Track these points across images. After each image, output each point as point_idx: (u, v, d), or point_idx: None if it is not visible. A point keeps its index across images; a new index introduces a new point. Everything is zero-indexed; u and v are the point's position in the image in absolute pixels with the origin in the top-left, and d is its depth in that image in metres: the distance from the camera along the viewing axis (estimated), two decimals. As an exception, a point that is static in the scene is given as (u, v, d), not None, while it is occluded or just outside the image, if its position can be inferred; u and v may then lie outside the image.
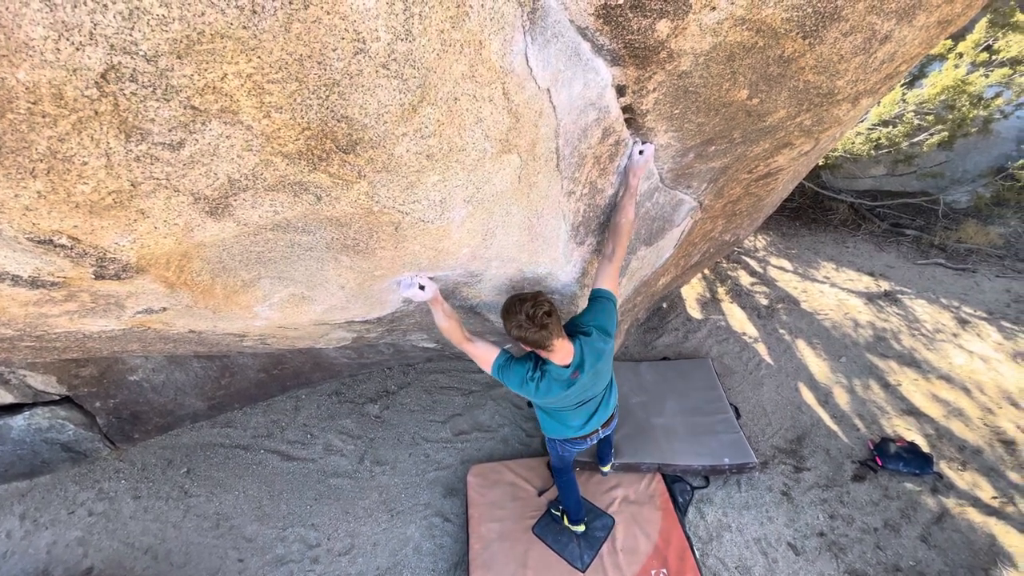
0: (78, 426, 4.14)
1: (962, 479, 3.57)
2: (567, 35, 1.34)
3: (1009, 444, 3.75)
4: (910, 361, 4.53)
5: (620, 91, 1.70)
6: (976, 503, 3.42)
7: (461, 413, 4.23)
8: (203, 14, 0.73)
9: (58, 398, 3.98)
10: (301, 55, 0.85)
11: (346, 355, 4.15)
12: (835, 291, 5.41)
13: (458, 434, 4.06)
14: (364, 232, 1.35)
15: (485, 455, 3.87)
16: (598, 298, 2.09)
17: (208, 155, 0.94)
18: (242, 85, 0.84)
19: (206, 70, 0.80)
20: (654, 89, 1.74)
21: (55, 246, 1.00)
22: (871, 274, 5.68)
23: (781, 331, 4.90)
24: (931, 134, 5.70)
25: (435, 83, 1.06)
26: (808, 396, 4.23)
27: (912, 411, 4.07)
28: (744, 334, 4.87)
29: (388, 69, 0.96)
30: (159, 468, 4.08)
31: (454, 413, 4.24)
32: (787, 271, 5.79)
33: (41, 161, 0.82)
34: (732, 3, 1.40)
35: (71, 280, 1.14)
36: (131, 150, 0.87)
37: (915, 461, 3.62)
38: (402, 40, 0.94)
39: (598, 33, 1.40)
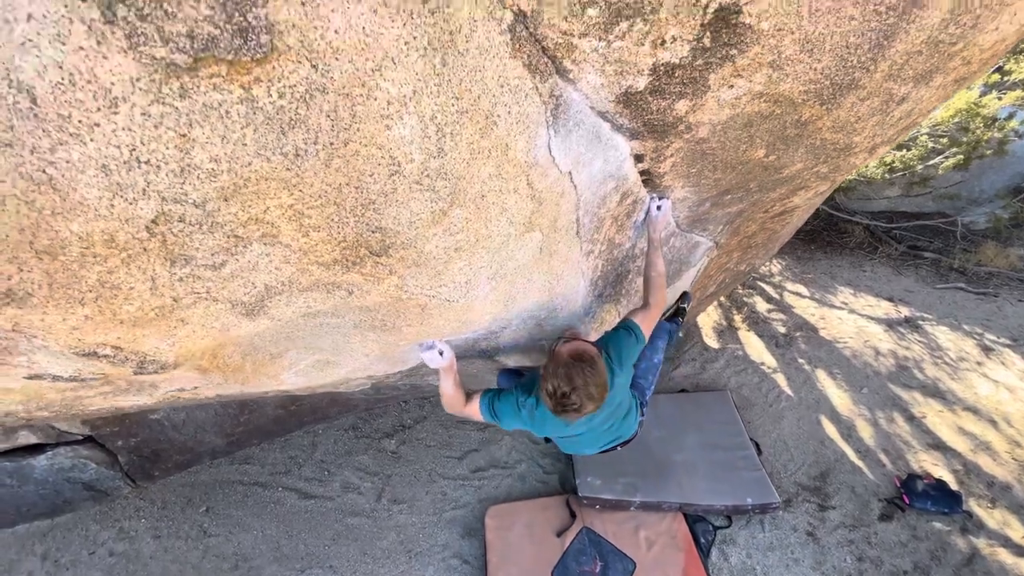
0: (100, 465, 4.19)
1: (992, 518, 3.47)
2: (588, 122, 1.37)
3: (1041, 481, 3.64)
4: (934, 392, 4.44)
5: (638, 159, 1.72)
6: (1007, 543, 3.32)
7: (477, 449, 4.21)
8: (250, 164, 0.76)
9: (80, 438, 4.04)
10: (340, 183, 0.88)
11: (363, 391, 4.18)
12: (854, 318, 5.33)
13: (475, 471, 4.04)
14: (391, 314, 1.38)
15: (503, 493, 3.85)
16: (626, 327, 1.89)
17: (248, 270, 0.97)
18: (283, 214, 0.87)
19: (250, 206, 0.83)
20: (671, 155, 1.76)
21: (98, 356, 1.03)
22: (890, 299, 5.60)
23: (800, 360, 4.83)
24: (946, 157, 5.65)
25: (464, 188, 1.09)
26: (831, 429, 4.15)
27: (938, 445, 3.98)
28: (762, 364, 4.81)
29: (421, 184, 0.98)
30: (179, 506, 4.10)
31: (470, 449, 4.22)
32: (804, 297, 5.73)
33: (90, 292, 0.85)
34: (750, 81, 1.42)
35: (110, 376, 1.18)
36: (175, 273, 0.90)
37: (943, 499, 3.52)
38: (434, 158, 0.97)
39: (618, 115, 1.42)
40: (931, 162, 5.71)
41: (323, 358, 1.75)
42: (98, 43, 0.57)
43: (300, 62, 0.71)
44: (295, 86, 0.72)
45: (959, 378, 4.57)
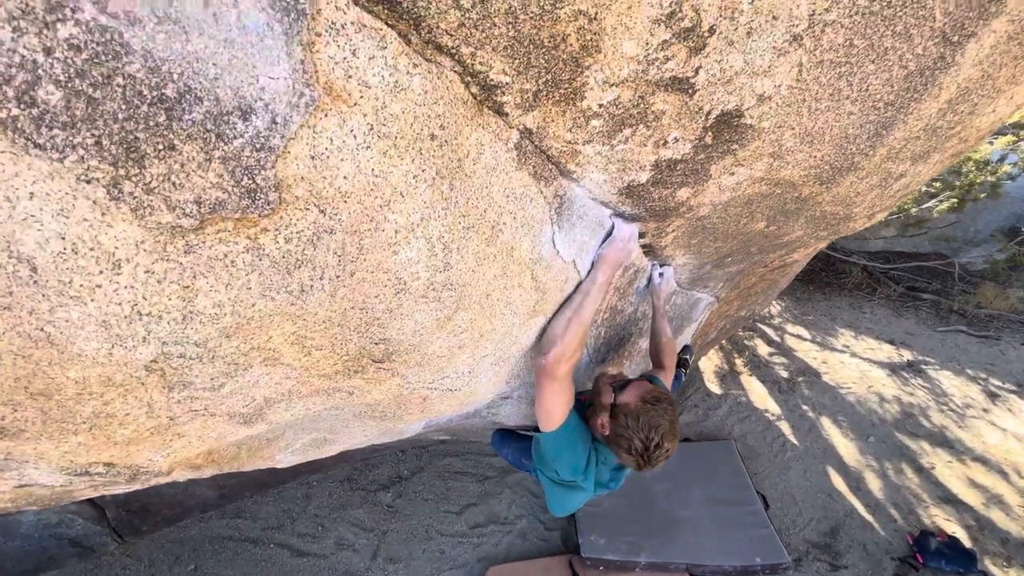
0: (87, 520, 4.06)
1: (1009, 578, 3.36)
2: (591, 213, 1.37)
3: (1057, 538, 3.54)
4: (942, 441, 4.37)
5: (639, 235, 1.73)
6: (1028, 607, 3.20)
7: (476, 503, 4.10)
8: (254, 305, 0.74)
9: (69, 493, 3.92)
10: (344, 308, 0.87)
11: (360, 442, 4.09)
12: (856, 362, 5.29)
13: (474, 527, 3.92)
14: (392, 406, 1.35)
15: (502, 551, 3.72)
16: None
17: (247, 388, 0.94)
18: (285, 340, 0.86)
19: (252, 339, 0.81)
20: (673, 231, 1.76)
21: (90, 474, 0.99)
22: (891, 342, 5.57)
23: (804, 407, 4.77)
24: (940, 200, 5.73)
25: (469, 293, 1.08)
26: (839, 482, 4.06)
27: (950, 499, 3.88)
28: (766, 411, 4.74)
29: (427, 297, 0.97)
30: (166, 564, 3.95)
31: (469, 503, 4.10)
32: (805, 339, 5.70)
33: (84, 423, 0.82)
34: (751, 169, 1.43)
35: (103, 484, 1.13)
36: (172, 397, 0.88)
37: (958, 558, 3.41)
38: (441, 272, 0.96)
39: (620, 204, 1.43)
40: (925, 205, 5.78)
41: (319, 436, 1.70)
42: (103, 215, 0.56)
43: (308, 209, 0.70)
44: (302, 231, 0.71)
45: (966, 426, 4.50)
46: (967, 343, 5.48)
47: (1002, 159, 6.21)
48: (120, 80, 0.50)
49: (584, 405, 1.64)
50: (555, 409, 1.43)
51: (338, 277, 0.80)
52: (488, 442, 2.62)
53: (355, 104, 0.68)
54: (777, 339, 5.72)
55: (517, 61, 0.81)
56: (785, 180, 1.56)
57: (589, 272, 1.54)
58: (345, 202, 0.73)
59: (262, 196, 0.64)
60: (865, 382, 5.03)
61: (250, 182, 0.62)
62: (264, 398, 1.02)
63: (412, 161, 0.79)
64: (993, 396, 4.79)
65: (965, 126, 1.59)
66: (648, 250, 1.92)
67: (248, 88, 0.57)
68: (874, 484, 4.02)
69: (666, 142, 1.20)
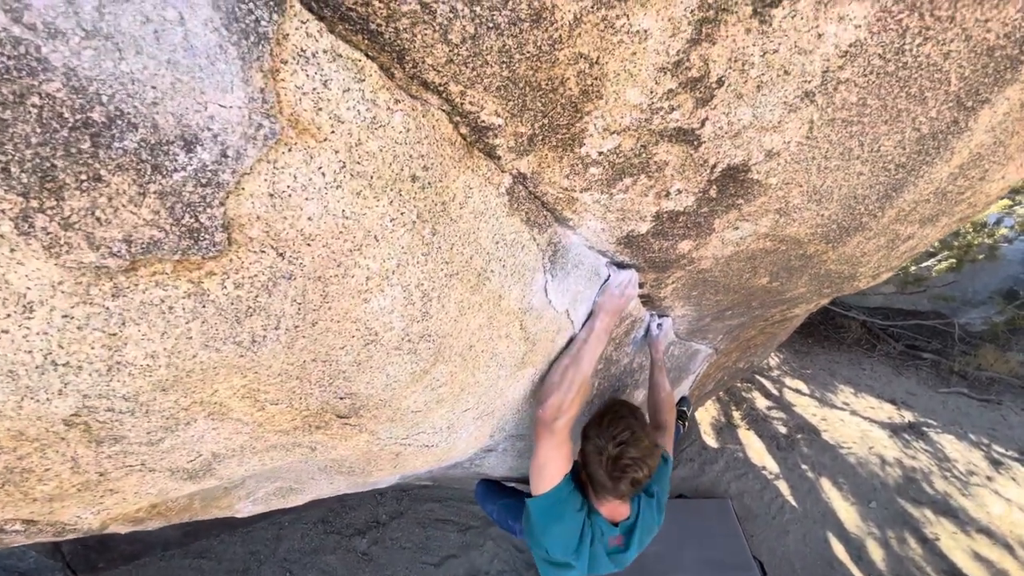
0: (40, 554, 3.80)
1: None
2: (587, 261, 1.30)
3: (1072, 624, 3.32)
4: (945, 509, 4.18)
5: (638, 285, 1.65)
6: None
7: (457, 554, 3.86)
8: (195, 356, 0.65)
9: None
10: (304, 360, 0.77)
11: (338, 483, 3.89)
12: (856, 420, 5.14)
13: (453, 582, 3.67)
14: (361, 462, 1.23)
15: (482, 611, 3.46)
16: (662, 459, 1.64)
17: (191, 442, 0.84)
18: (234, 394, 0.76)
19: (193, 393, 0.71)
20: (672, 283, 1.69)
21: (5, 532, 0.87)
22: (892, 402, 5.44)
23: (803, 466, 4.59)
24: (939, 260, 5.72)
25: (450, 344, 0.98)
26: (839, 550, 3.84)
27: (955, 573, 3.67)
28: (764, 468, 4.55)
29: (401, 349, 0.88)
30: (119, 608, 3.67)
31: (449, 554, 3.87)
32: (803, 394, 5.57)
33: (-6, 480, 0.71)
34: (756, 224, 1.37)
35: (26, 536, 1.00)
36: (102, 452, 0.77)
37: (968, 643, 3.18)
38: (418, 322, 0.87)
39: (618, 254, 1.36)
40: (924, 264, 5.77)
41: (285, 485, 1.57)
42: (11, 251, 0.48)
43: (264, 252, 0.62)
44: (256, 276, 0.63)
45: (970, 495, 4.32)
46: (968, 406, 5.35)
47: (998, 222, 6.26)
48: (36, 100, 0.42)
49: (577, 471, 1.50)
50: (549, 466, 1.32)
51: (297, 327, 0.71)
52: (473, 489, 2.47)
53: (325, 139, 0.60)
54: (776, 392, 5.58)
55: (511, 103, 0.75)
56: (791, 237, 1.50)
57: (585, 322, 1.46)
58: (309, 245, 0.65)
59: (207, 237, 0.56)
60: (866, 442, 4.86)
61: (192, 220, 0.54)
62: (212, 453, 0.91)
63: (390, 203, 0.71)
64: (996, 463, 4.63)
65: (975, 191, 1.54)
66: (646, 300, 1.85)
67: (194, 116, 0.49)
68: (876, 554, 3.81)
69: (668, 193, 1.13)
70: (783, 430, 5.01)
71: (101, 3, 0.41)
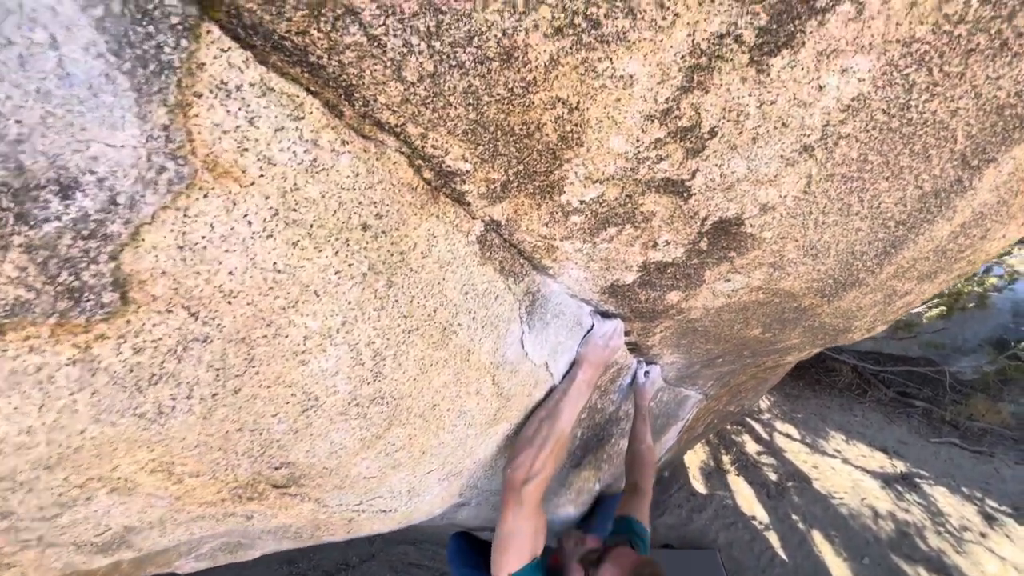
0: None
1: None
2: (569, 311, 1.21)
3: None
4: (939, 567, 4.02)
5: (624, 333, 1.56)
6: None
7: (429, 603, 3.63)
8: (83, 431, 0.54)
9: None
10: (227, 431, 0.66)
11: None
12: (848, 469, 5.01)
13: (423, 634, 3.44)
14: (309, 528, 1.10)
15: (452, 668, 3.22)
16: (641, 538, 1.49)
17: (96, 517, 0.71)
18: (141, 469, 0.64)
19: (87, 469, 0.60)
20: (660, 332, 1.60)
21: None
22: (884, 450, 5.32)
23: (794, 516, 4.42)
24: (929, 307, 5.71)
25: (408, 405, 0.88)
26: (831, 610, 3.66)
27: (952, 640, 3.49)
28: (753, 518, 4.39)
29: (347, 414, 0.77)
30: (60, 653, 3.37)
31: (421, 602, 3.64)
32: (794, 439, 5.44)
33: None
34: (748, 277, 1.29)
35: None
36: (-20, 531, 0.65)
37: None
38: (368, 384, 0.77)
39: (602, 303, 1.27)
40: (915, 310, 5.76)
41: (232, 541, 1.42)
42: None
43: (171, 312, 0.52)
44: (161, 339, 0.53)
45: (964, 552, 4.17)
46: (960, 457, 5.24)
47: (988, 271, 6.30)
48: None
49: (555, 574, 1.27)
50: (514, 540, 1.14)
51: (215, 395, 0.61)
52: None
53: (252, 184, 0.51)
54: (766, 437, 5.45)
55: (481, 147, 0.67)
56: (785, 291, 1.42)
57: (566, 374, 1.35)
58: (230, 304, 0.56)
59: (91, 297, 0.46)
60: (858, 493, 4.72)
61: (71, 279, 0.45)
62: (123, 527, 0.78)
63: (335, 254, 0.62)
64: (990, 519, 4.50)
65: (976, 250, 1.48)
66: (633, 348, 1.75)
67: (72, 157, 0.40)
68: (871, 616, 3.63)
69: (656, 244, 1.06)
70: (774, 477, 4.86)
71: (-62, 17, 0.33)
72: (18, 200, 0.40)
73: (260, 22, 0.45)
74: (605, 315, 1.36)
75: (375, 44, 0.49)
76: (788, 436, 5.49)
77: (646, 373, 1.89)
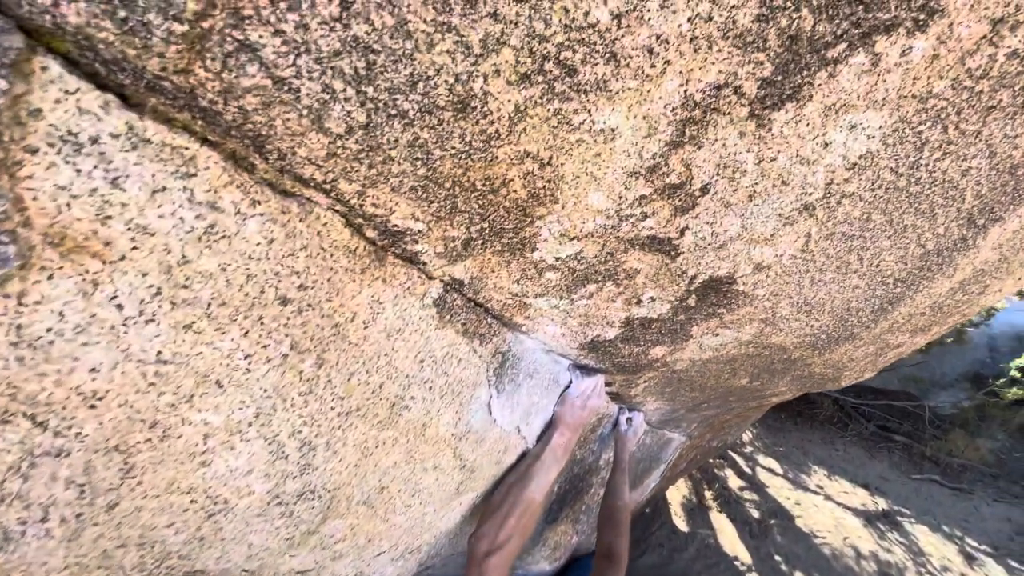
0: None
1: None
2: (544, 369, 1.10)
3: None
4: (924, 612, 3.92)
5: (606, 384, 1.45)
6: None
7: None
8: None
9: None
10: (107, 549, 0.53)
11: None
12: (831, 506, 4.92)
13: None
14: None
15: None
16: None
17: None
18: (-18, 604, 0.50)
19: None
20: (644, 383, 1.49)
21: None
22: (866, 486, 5.26)
23: (777, 557, 4.30)
24: (909, 342, 5.73)
25: (348, 494, 0.75)
26: (815, 660, 3.52)
27: None
28: (736, 559, 4.25)
29: (266, 515, 0.64)
30: None
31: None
32: (777, 474, 5.35)
33: None
34: (738, 332, 1.19)
35: None
36: None
37: None
38: (294, 478, 0.64)
39: (581, 357, 1.16)
40: (895, 345, 5.77)
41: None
42: None
43: (8, 422, 0.39)
44: (-11, 460, 0.40)
45: (948, 596, 4.09)
46: (941, 495, 5.20)
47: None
48: None
49: None
50: None
51: (79, 516, 0.47)
52: None
53: (121, 259, 0.39)
54: (748, 471, 5.35)
55: (436, 205, 0.56)
56: (776, 345, 1.33)
57: (541, 435, 1.23)
58: (93, 407, 0.43)
59: None
60: (840, 531, 4.63)
61: None
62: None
63: (243, 335, 0.50)
64: (970, 559, 4.44)
65: (972, 304, 1.41)
66: (615, 396, 1.64)
67: None
68: (855, 667, 3.50)
69: (640, 301, 0.95)
70: (756, 514, 4.74)
71: None
72: None
73: (123, 56, 0.34)
74: (585, 369, 1.24)
75: (284, 88, 0.38)
76: (770, 471, 5.40)
77: (628, 420, 1.77)
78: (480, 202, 0.59)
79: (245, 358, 0.51)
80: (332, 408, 0.64)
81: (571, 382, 1.22)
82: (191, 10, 0.32)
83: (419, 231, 0.59)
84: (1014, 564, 4.48)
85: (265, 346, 0.52)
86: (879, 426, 6.11)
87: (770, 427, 6.18)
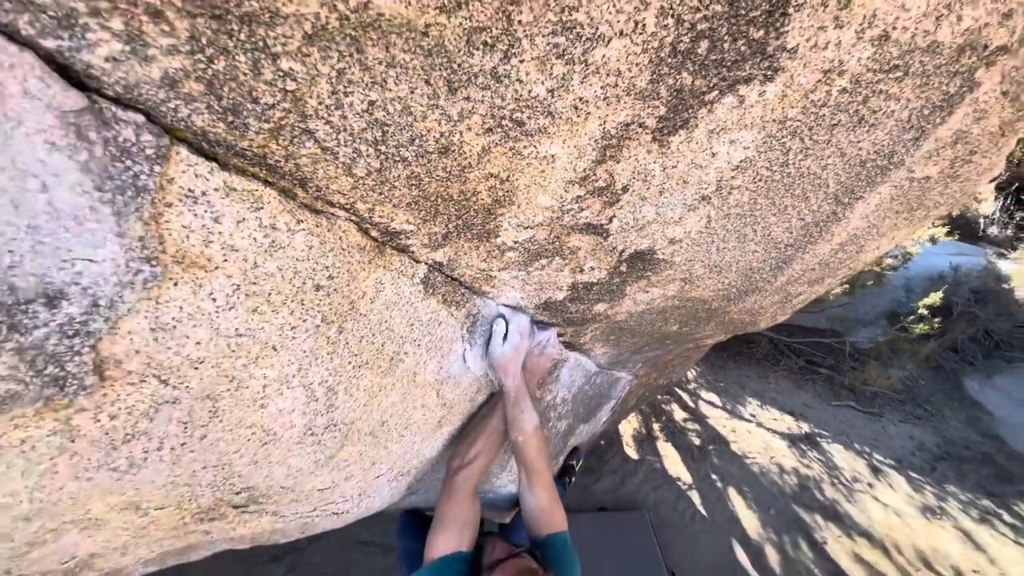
0: None
1: (889, 658, 3.54)
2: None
3: (928, 616, 3.81)
4: (833, 515, 4.64)
5: (559, 335, 1.71)
6: None
7: (380, 577, 3.78)
8: (62, 488, 0.61)
9: None
10: (193, 470, 0.74)
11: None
12: (761, 432, 5.59)
13: (374, 607, 3.60)
14: (265, 534, 1.18)
15: (402, 636, 3.41)
16: (554, 552, 1.30)
17: (63, 549, 0.77)
18: (111, 509, 0.71)
19: (62, 516, 0.66)
20: (591, 332, 1.76)
21: None
22: (792, 413, 5.96)
23: (713, 476, 4.92)
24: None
25: (359, 427, 0.97)
26: (741, 555, 4.16)
27: (839, 574, 4.09)
28: (679, 479, 4.84)
29: (303, 443, 0.86)
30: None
31: (371, 577, 3.78)
32: (716, 406, 5.97)
33: None
34: (664, 289, 1.46)
35: None
36: (-50, 574, 0.69)
37: (844, 638, 3.56)
38: (322, 415, 0.86)
39: (537, 315, 1.40)
40: (823, 288, 6.37)
41: (154, 553, 1.47)
42: None
43: (144, 382, 0.59)
44: (135, 406, 0.60)
45: (854, 500, 4.83)
46: (855, 418, 5.97)
47: (885, 253, 7.02)
48: None
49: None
50: (444, 526, 1.18)
51: (183, 444, 0.68)
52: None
53: (216, 268, 0.58)
54: (692, 405, 5.94)
55: (423, 212, 0.76)
56: (696, 298, 1.61)
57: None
58: (196, 368, 0.63)
59: (74, 383, 0.53)
60: (768, 452, 5.30)
61: (57, 370, 0.51)
62: (89, 554, 0.84)
63: (290, 313, 0.70)
64: (877, 471, 5.20)
65: (854, 260, 1.73)
66: (568, 345, 1.91)
67: (58, 274, 0.46)
68: (773, 559, 4.17)
69: (582, 269, 1.19)
70: (697, 442, 5.34)
71: (-59, 180, 0.38)
72: (10, 314, 0.46)
73: (224, 139, 0.52)
74: (541, 324, 1.49)
75: (328, 152, 0.57)
76: (711, 404, 6.02)
77: (505, 337, 1.33)
78: (456, 208, 0.79)
79: (291, 329, 0.71)
80: (348, 363, 0.85)
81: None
82: (277, 117, 0.50)
83: (410, 230, 0.79)
84: (914, 475, 5.29)
85: (304, 320, 0.72)
86: (807, 361, 6.83)
87: (712, 365, 6.80)
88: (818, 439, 5.58)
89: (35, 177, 0.41)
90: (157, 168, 0.48)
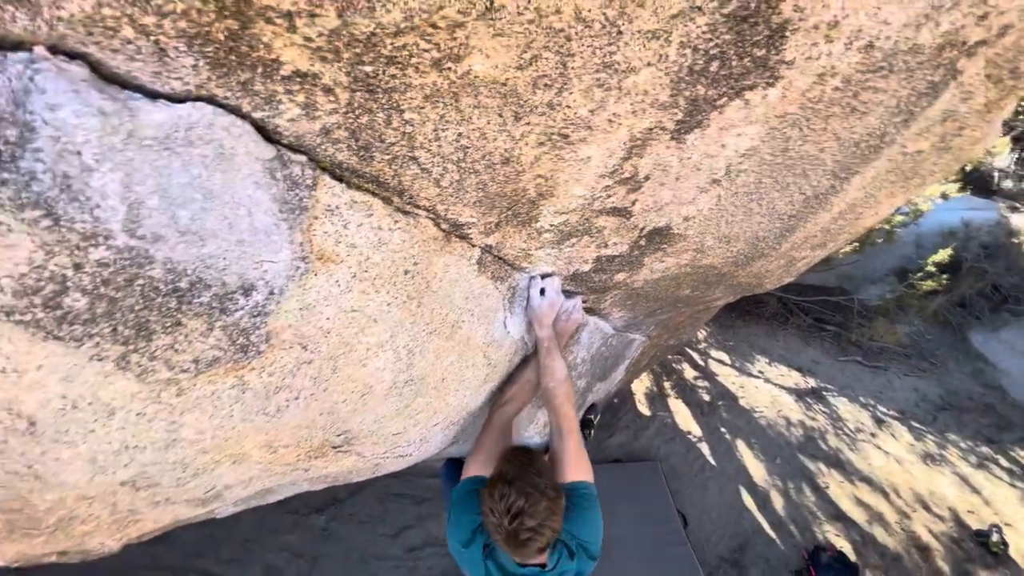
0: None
1: (884, 588, 3.86)
2: (540, 296, 1.51)
3: (924, 550, 4.11)
4: (836, 462, 4.91)
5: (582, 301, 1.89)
6: (898, 613, 3.70)
7: (413, 525, 4.13)
8: (234, 428, 0.81)
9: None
10: (313, 416, 0.95)
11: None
12: (769, 387, 5.82)
13: (410, 550, 3.96)
14: (344, 475, 1.42)
15: (437, 575, 3.79)
16: (576, 498, 1.36)
17: (212, 480, 1.00)
18: (256, 446, 0.93)
19: (225, 450, 0.87)
20: (610, 298, 1.95)
21: (41, 558, 1.00)
22: (799, 369, 6.17)
23: (722, 429, 5.19)
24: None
25: (427, 382, 1.18)
26: (748, 500, 4.47)
27: (839, 516, 4.39)
28: (689, 433, 5.12)
29: (389, 395, 1.07)
30: (74, 597, 3.67)
31: (405, 525, 4.13)
32: (726, 364, 6.19)
33: (49, 527, 0.86)
34: (678, 259, 1.63)
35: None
36: (139, 496, 0.92)
37: (844, 571, 3.88)
38: (403, 372, 1.06)
39: (565, 285, 1.58)
40: (832, 247, 6.45)
41: (263, 488, 1.73)
42: (106, 378, 0.63)
43: (292, 348, 0.79)
44: (284, 365, 0.80)
45: (857, 449, 5.09)
46: (861, 372, 6.17)
47: (895, 210, 7.04)
48: (140, 282, 0.57)
49: None
50: (478, 451, 1.39)
51: (312, 395, 0.89)
52: (428, 464, 2.68)
53: (342, 262, 0.77)
54: (702, 363, 6.17)
55: (483, 207, 0.93)
56: (707, 265, 1.78)
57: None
58: (325, 336, 0.82)
59: (253, 349, 0.72)
60: (775, 406, 5.54)
61: (244, 341, 0.70)
62: (225, 485, 1.07)
63: (387, 293, 0.89)
64: (880, 422, 5.44)
65: (854, 226, 1.88)
66: (588, 311, 2.10)
67: (252, 272, 0.65)
68: (778, 503, 4.47)
69: (607, 245, 1.36)
70: (707, 398, 5.59)
71: (193, 214, 0.57)
72: (221, 302, 0.65)
73: (354, 168, 0.70)
74: (567, 293, 1.68)
75: (425, 172, 0.74)
76: (721, 362, 6.24)
77: (542, 291, 1.44)
78: (508, 202, 0.96)
79: (387, 305, 0.91)
80: (423, 330, 1.05)
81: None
82: (394, 151, 0.68)
83: (472, 222, 0.97)
84: (916, 425, 5.51)
85: (396, 297, 0.92)
86: (815, 319, 6.99)
87: (722, 325, 6.99)
88: (824, 393, 5.81)
89: (244, 206, 0.60)
90: (312, 192, 0.66)
